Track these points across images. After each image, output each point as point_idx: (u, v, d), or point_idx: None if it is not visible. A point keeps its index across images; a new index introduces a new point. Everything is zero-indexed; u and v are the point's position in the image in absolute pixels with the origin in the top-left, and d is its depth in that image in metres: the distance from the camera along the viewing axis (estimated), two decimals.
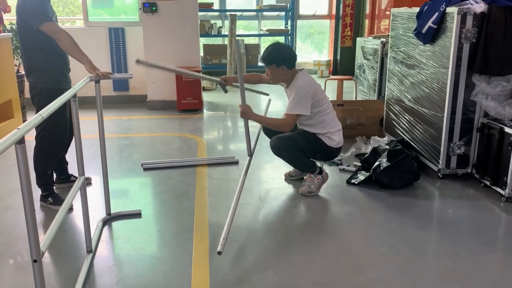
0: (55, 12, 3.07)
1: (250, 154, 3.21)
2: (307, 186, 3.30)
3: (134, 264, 2.42)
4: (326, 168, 3.82)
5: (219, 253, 2.28)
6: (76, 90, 2.28)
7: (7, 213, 3.02)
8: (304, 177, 3.39)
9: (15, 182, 3.47)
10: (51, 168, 3.14)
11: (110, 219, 2.93)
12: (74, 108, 2.34)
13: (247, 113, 3.11)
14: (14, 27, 5.15)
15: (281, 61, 3.13)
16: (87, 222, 2.47)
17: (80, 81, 2.48)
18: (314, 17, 9.41)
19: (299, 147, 3.19)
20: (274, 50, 3.16)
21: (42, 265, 1.65)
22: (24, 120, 5.12)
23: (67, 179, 3.42)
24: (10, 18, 5.59)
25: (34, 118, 1.67)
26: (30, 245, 1.59)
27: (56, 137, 3.05)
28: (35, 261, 1.60)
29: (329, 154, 3.34)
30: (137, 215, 2.98)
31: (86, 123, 5.41)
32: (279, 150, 3.21)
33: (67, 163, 3.43)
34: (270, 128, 3.34)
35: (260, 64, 8.85)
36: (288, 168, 3.70)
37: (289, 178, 3.61)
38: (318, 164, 3.38)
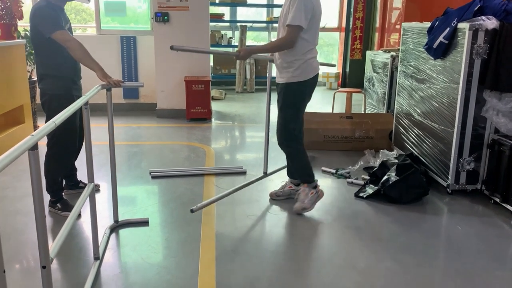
0: (69, 20, 3.12)
1: (265, 172, 3.24)
2: (300, 202, 3.13)
3: (141, 272, 2.42)
4: (334, 181, 3.81)
5: (192, 210, 2.70)
6: (88, 98, 2.30)
7: (16, 218, 3.04)
8: (298, 190, 3.24)
9: (25, 187, 3.50)
10: (61, 175, 3.17)
11: (117, 226, 2.93)
12: (85, 116, 2.35)
13: (246, 51, 3.06)
14: (28, 34, 5.23)
15: None
16: (95, 229, 2.48)
17: (92, 89, 2.51)
18: (323, 29, 9.45)
19: (290, 117, 3.07)
20: None
21: (51, 271, 1.65)
22: (35, 126, 5.17)
23: (76, 186, 3.44)
24: (24, 24, 5.67)
25: (48, 125, 1.69)
26: (39, 251, 1.60)
27: (67, 144, 3.08)
28: (44, 267, 1.60)
29: (314, 84, 3.11)
30: (144, 223, 2.99)
31: (96, 129, 5.45)
32: (281, 142, 3.18)
33: (76, 169, 3.46)
34: (273, 50, 3.13)
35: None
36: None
37: (275, 198, 3.38)
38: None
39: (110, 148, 2.85)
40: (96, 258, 2.49)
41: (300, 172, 3.26)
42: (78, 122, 3.10)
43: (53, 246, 1.74)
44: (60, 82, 2.98)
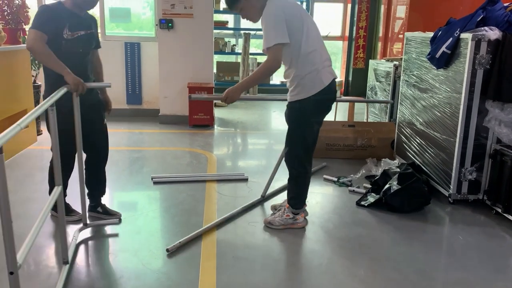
0: (88, 28, 2.89)
1: (263, 196, 3.09)
2: (272, 217, 3.05)
3: (141, 278, 2.42)
4: (336, 189, 3.81)
5: (167, 250, 2.62)
6: (54, 100, 2.27)
7: (16, 222, 3.02)
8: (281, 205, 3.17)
9: (28, 191, 3.51)
10: (64, 179, 3.07)
11: (86, 229, 2.92)
12: (51, 117, 2.30)
13: (230, 92, 2.76)
14: None
15: None
16: (64, 233, 2.43)
17: (57, 91, 2.45)
18: (327, 38, 9.48)
19: (298, 136, 2.86)
20: None
21: (18, 278, 1.64)
22: (38, 130, 5.19)
23: (94, 208, 3.18)
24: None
25: (12, 128, 1.66)
26: (6, 257, 1.59)
27: (62, 148, 2.84)
28: (11, 273, 1.61)
29: (325, 101, 2.84)
30: (115, 223, 2.99)
31: None
32: (285, 160, 3.02)
33: (97, 190, 3.20)
34: (262, 77, 2.76)
35: (271, 82, 8.93)
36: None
37: (275, 212, 3.19)
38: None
39: (78, 152, 2.83)
40: (65, 262, 2.45)
41: (292, 194, 3.03)
42: (79, 125, 2.90)
43: (20, 251, 1.70)
44: (50, 86, 2.80)
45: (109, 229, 2.98)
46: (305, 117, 2.84)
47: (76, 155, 2.89)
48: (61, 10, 2.79)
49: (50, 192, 3.04)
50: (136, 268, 2.52)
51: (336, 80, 2.95)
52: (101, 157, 3.15)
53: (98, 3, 6.49)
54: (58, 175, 2.39)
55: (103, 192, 3.20)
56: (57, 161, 2.37)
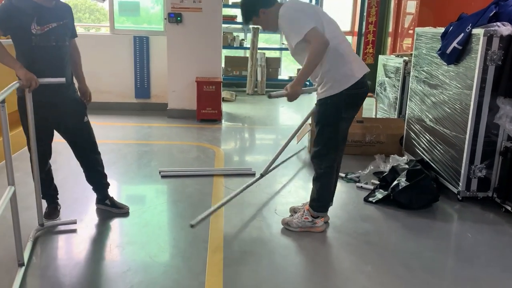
0: (60, 20, 2.72)
1: (264, 174, 3.01)
2: (290, 218, 2.96)
3: (149, 271, 2.43)
4: (344, 185, 3.80)
5: (191, 225, 2.69)
6: (4, 96, 2.16)
7: (23, 214, 3.05)
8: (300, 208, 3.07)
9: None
10: (42, 178, 2.88)
11: (42, 229, 2.82)
12: (2, 115, 2.19)
13: (293, 87, 2.64)
14: None
15: (255, 6, 2.71)
16: (19, 234, 2.35)
17: (8, 86, 2.37)
18: None
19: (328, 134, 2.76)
20: (243, 4, 2.78)
21: None
22: None
23: (102, 201, 3.17)
24: None
25: None
26: None
27: (29, 146, 2.78)
28: None
29: (357, 95, 2.75)
30: (72, 223, 2.89)
31: (107, 128, 5.51)
32: (312, 158, 2.92)
33: (99, 183, 3.17)
34: (315, 63, 2.58)
35: (280, 77, 8.90)
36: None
37: (293, 214, 3.11)
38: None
39: (31, 144, 2.68)
40: (21, 264, 2.38)
41: (314, 196, 2.92)
42: (46, 122, 2.79)
43: None
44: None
45: (116, 222, 3.00)
46: (337, 113, 2.73)
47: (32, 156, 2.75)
48: (26, 5, 2.61)
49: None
50: (143, 260, 2.53)
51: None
52: (87, 151, 3.04)
53: None
54: (11, 174, 2.28)
55: (106, 184, 3.18)
56: (9, 158, 2.26)
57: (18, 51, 2.70)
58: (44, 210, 2.99)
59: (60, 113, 2.84)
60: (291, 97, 2.66)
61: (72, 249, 2.69)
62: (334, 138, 2.80)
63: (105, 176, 3.17)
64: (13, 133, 4.36)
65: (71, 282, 2.32)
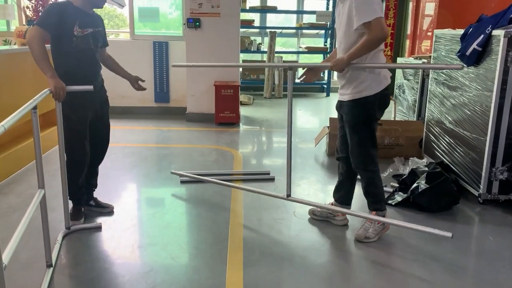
0: (98, 26, 2.94)
1: (288, 195, 2.95)
2: (364, 229, 2.88)
3: (170, 271, 2.48)
4: None
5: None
6: (36, 102, 2.25)
7: (51, 215, 3.13)
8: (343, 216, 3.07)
9: (60, 185, 3.61)
10: (76, 183, 2.99)
11: (69, 233, 2.89)
12: (34, 120, 2.26)
13: (341, 61, 2.62)
14: None
15: None
16: (47, 236, 2.40)
17: (39, 93, 2.45)
18: None
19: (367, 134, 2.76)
20: None
21: (4, 279, 1.62)
22: None
23: (87, 202, 3.22)
24: None
25: None
26: None
27: (70, 149, 2.91)
28: None
29: (387, 96, 2.80)
30: (97, 228, 2.96)
31: (128, 132, 5.61)
32: (357, 166, 2.88)
33: (90, 184, 3.23)
34: (369, 47, 2.57)
35: (297, 80, 8.91)
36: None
37: (312, 217, 3.17)
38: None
39: (60, 153, 2.77)
40: (49, 265, 2.43)
41: (373, 198, 2.91)
42: (86, 125, 2.94)
43: (6, 252, 1.71)
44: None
45: (137, 224, 3.06)
46: (372, 113, 2.76)
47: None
48: (70, 8, 2.82)
49: (69, 196, 2.98)
50: (165, 261, 2.58)
51: None
52: (103, 153, 3.21)
53: (128, 2, 6.64)
54: (41, 177, 2.35)
55: (95, 185, 3.27)
56: (39, 163, 2.33)
57: (57, 52, 2.83)
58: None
59: (96, 112, 3.00)
60: (337, 68, 2.63)
61: (96, 250, 2.75)
62: (373, 137, 2.81)
63: (97, 176, 3.27)
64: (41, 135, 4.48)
65: (96, 282, 2.39)
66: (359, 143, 2.79)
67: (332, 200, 3.18)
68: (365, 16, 2.52)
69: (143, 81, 3.27)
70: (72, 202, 3.09)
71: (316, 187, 3.82)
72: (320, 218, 3.15)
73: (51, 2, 2.81)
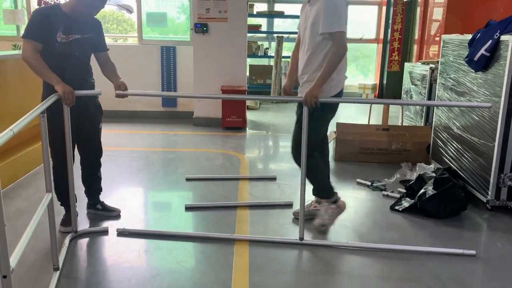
0: (87, 32, 2.85)
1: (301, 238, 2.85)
2: (320, 218, 3.01)
3: (176, 275, 2.48)
4: (370, 193, 3.78)
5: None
6: (45, 107, 2.28)
7: (58, 219, 3.16)
8: (317, 207, 3.12)
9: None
10: (61, 187, 2.92)
11: (77, 236, 2.89)
12: (42, 124, 2.28)
13: (311, 92, 2.71)
14: None
15: None
16: (54, 239, 2.40)
17: (47, 98, 2.48)
18: (360, 40, 9.41)
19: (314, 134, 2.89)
20: None
21: (11, 281, 1.64)
22: None
23: (94, 206, 3.23)
24: None
25: (5, 133, 1.67)
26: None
27: (54, 154, 2.89)
28: (4, 276, 1.60)
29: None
30: (104, 232, 2.95)
31: (135, 136, 5.63)
32: (296, 158, 3.04)
33: (94, 187, 3.22)
34: (335, 66, 2.71)
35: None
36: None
37: (298, 217, 3.08)
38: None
39: (68, 156, 2.76)
40: (56, 268, 2.44)
41: (319, 186, 3.08)
42: (69, 131, 2.78)
43: (13, 255, 1.71)
44: (51, 89, 2.70)
45: (143, 228, 3.06)
46: (335, 109, 2.99)
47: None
48: (56, 13, 2.75)
49: (58, 199, 2.99)
50: (171, 265, 2.58)
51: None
52: (95, 155, 3.14)
53: (136, 7, 6.69)
54: (48, 181, 2.35)
55: (100, 189, 3.24)
56: (47, 167, 2.34)
57: (43, 57, 2.76)
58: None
59: (82, 117, 2.93)
60: (312, 102, 2.71)
61: (103, 254, 2.76)
62: (325, 130, 3.09)
63: (100, 181, 3.24)
64: None
65: (103, 285, 2.39)
66: (312, 130, 2.89)
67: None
68: (330, 26, 2.67)
69: (125, 89, 3.00)
70: (65, 208, 3.06)
71: None
72: (307, 217, 3.06)
73: (36, 8, 2.70)
